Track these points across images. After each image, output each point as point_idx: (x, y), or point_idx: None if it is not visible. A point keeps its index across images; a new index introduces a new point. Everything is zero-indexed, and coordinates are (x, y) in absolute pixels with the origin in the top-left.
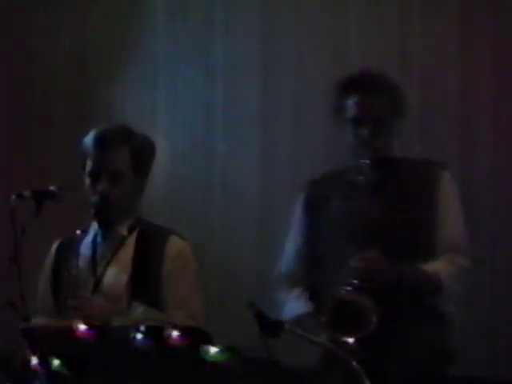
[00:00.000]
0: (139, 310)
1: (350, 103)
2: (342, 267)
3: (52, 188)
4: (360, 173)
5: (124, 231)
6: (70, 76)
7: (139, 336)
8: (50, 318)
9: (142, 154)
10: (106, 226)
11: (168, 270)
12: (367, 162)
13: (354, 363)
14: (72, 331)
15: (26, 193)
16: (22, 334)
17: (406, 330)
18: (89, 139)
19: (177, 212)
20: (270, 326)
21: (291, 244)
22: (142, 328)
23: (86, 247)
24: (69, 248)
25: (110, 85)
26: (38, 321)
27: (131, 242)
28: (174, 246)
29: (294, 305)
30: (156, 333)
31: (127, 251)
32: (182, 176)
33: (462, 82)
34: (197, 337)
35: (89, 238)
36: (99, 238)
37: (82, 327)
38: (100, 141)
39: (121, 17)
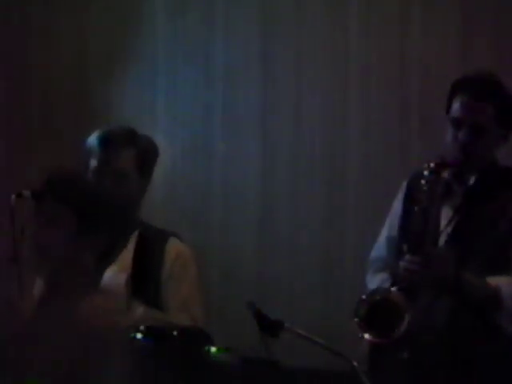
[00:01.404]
0: (139, 309)
1: (455, 103)
2: (397, 265)
3: None
4: (444, 175)
5: None
6: (70, 76)
7: (139, 336)
8: None
9: (146, 155)
10: None
11: (168, 272)
12: (432, 165)
13: (355, 363)
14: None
15: (26, 193)
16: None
17: (460, 339)
18: (93, 139)
19: (177, 212)
20: (269, 326)
21: (385, 230)
22: (142, 328)
23: None
24: None
25: (110, 84)
26: None
27: (131, 243)
28: (173, 248)
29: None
30: (156, 333)
31: (127, 252)
32: (181, 176)
33: None
34: (197, 337)
35: None
36: None
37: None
38: (105, 140)
39: (121, 17)
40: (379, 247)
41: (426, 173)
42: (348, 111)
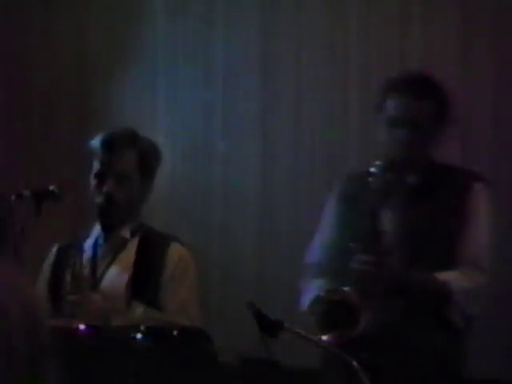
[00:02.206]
0: (139, 310)
1: (390, 103)
2: (350, 267)
3: (52, 188)
4: (373, 176)
5: (127, 234)
6: (70, 76)
7: (139, 336)
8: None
9: (148, 158)
10: (108, 228)
11: (168, 276)
12: (379, 163)
13: (354, 363)
14: (72, 331)
15: (26, 193)
16: None
17: (409, 336)
18: (96, 141)
19: (177, 212)
20: (269, 326)
21: (320, 235)
22: (142, 328)
23: (87, 249)
24: (71, 249)
25: (110, 84)
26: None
27: (133, 245)
28: (176, 252)
29: (312, 295)
30: (156, 333)
31: (128, 254)
32: (181, 176)
33: (462, 82)
34: (197, 337)
35: (91, 241)
36: (101, 240)
37: (82, 327)
38: (107, 143)
39: (121, 16)
40: (314, 252)
41: (373, 172)
42: (348, 111)
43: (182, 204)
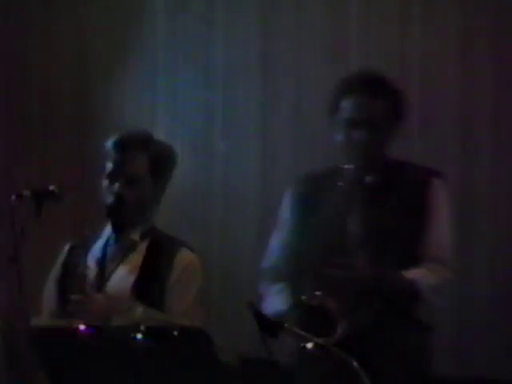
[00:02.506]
0: (139, 310)
1: (346, 103)
2: (320, 272)
3: (52, 188)
4: (343, 178)
5: (136, 237)
6: (70, 76)
7: (139, 336)
8: (51, 318)
9: (161, 161)
10: (119, 230)
11: (175, 280)
12: (351, 167)
13: (355, 363)
14: (72, 331)
15: (26, 193)
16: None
17: (382, 336)
18: (110, 142)
19: (177, 212)
20: (269, 326)
21: (277, 239)
22: (142, 328)
23: (97, 249)
24: (80, 249)
25: (110, 84)
26: (37, 321)
27: (142, 248)
28: (184, 257)
29: (274, 300)
30: (156, 333)
31: (137, 256)
32: (182, 176)
33: (462, 82)
34: (197, 337)
35: (101, 242)
36: (111, 242)
37: (83, 327)
38: (119, 144)
39: (121, 16)
40: (272, 257)
41: (346, 174)
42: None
43: (181, 204)
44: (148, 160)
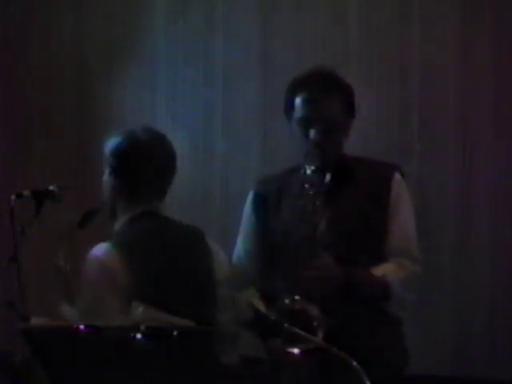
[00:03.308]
0: (139, 309)
1: (299, 102)
2: (291, 274)
3: (52, 188)
4: (306, 179)
5: None
6: (70, 76)
7: (139, 336)
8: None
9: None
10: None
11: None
12: (312, 168)
13: (355, 363)
14: (72, 331)
15: (26, 193)
16: (22, 334)
17: (357, 334)
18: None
19: (177, 212)
20: (269, 326)
21: (241, 243)
22: (142, 328)
23: None
24: None
25: (110, 85)
26: (38, 321)
27: None
28: None
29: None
30: (156, 333)
31: None
32: (181, 176)
33: (462, 82)
34: (197, 337)
35: None
36: None
37: (82, 327)
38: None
39: (121, 17)
40: (239, 261)
41: (308, 175)
42: None
43: (181, 204)
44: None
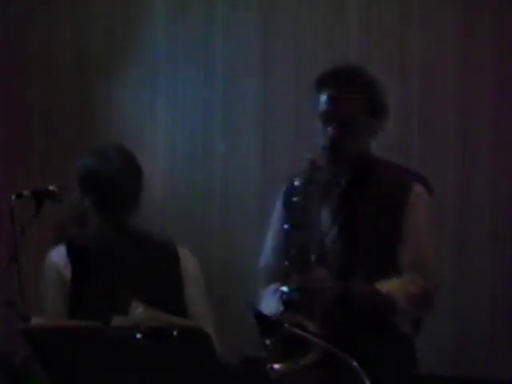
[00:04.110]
0: (139, 309)
1: (321, 98)
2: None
3: (52, 188)
4: (319, 177)
5: None
6: (70, 76)
7: (139, 336)
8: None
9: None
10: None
11: None
12: (325, 165)
13: (355, 363)
14: (72, 331)
15: (26, 193)
16: (22, 334)
17: (360, 349)
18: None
19: (177, 212)
20: (269, 326)
21: (270, 239)
22: (142, 328)
23: None
24: None
25: (110, 85)
26: (38, 321)
27: None
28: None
29: (269, 300)
30: (156, 333)
31: None
32: (181, 176)
33: (462, 82)
34: (197, 337)
35: None
36: None
37: (83, 327)
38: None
39: (121, 17)
40: (267, 256)
41: (297, 182)
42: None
43: (182, 204)
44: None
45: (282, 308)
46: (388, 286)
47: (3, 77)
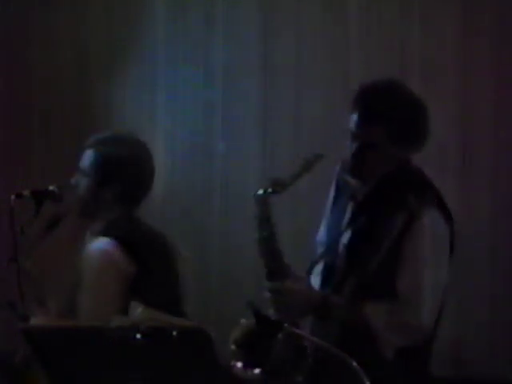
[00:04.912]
0: (138, 309)
1: (352, 116)
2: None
3: (52, 188)
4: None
5: None
6: (70, 76)
7: (139, 336)
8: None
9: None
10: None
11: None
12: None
13: (354, 363)
14: (72, 331)
15: (26, 193)
16: (22, 334)
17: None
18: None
19: (177, 212)
20: (269, 326)
21: (322, 226)
22: (142, 328)
23: None
24: None
25: (110, 84)
26: (37, 321)
27: None
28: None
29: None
30: (156, 333)
31: None
32: (181, 176)
33: (462, 82)
34: (197, 337)
35: None
36: None
37: (83, 327)
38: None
39: (121, 17)
40: (318, 238)
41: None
42: (348, 111)
43: (182, 204)
44: (93, 157)
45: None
46: (373, 308)
47: (3, 77)
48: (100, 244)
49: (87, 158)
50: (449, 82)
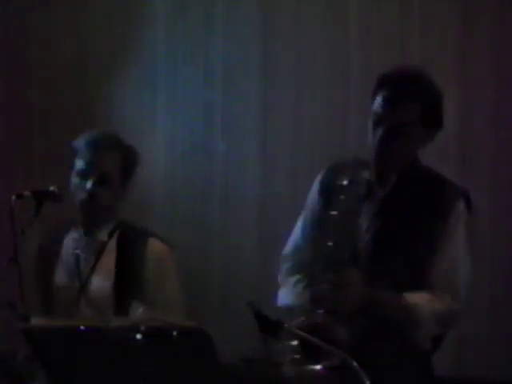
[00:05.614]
0: (139, 310)
1: (377, 99)
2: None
3: (52, 188)
4: (362, 178)
5: (104, 237)
6: (70, 76)
7: (139, 336)
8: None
9: (131, 160)
10: (88, 231)
11: (149, 274)
12: (370, 168)
13: (355, 363)
14: (72, 331)
15: (26, 193)
16: (22, 334)
17: (374, 361)
18: (82, 141)
19: (177, 212)
20: (269, 326)
21: (300, 226)
22: (142, 328)
23: (67, 256)
24: (51, 254)
25: (110, 85)
26: (38, 321)
27: (112, 247)
28: (155, 248)
29: (288, 292)
30: (156, 333)
31: (109, 258)
32: (181, 176)
33: (462, 82)
34: (197, 337)
35: (69, 246)
36: (80, 246)
37: (82, 327)
38: (93, 143)
39: (121, 17)
40: (294, 244)
41: (344, 181)
42: (348, 111)
43: (182, 204)
44: (119, 160)
45: (309, 306)
46: (415, 298)
47: (3, 77)
48: (159, 243)
49: (111, 160)
50: (449, 81)
